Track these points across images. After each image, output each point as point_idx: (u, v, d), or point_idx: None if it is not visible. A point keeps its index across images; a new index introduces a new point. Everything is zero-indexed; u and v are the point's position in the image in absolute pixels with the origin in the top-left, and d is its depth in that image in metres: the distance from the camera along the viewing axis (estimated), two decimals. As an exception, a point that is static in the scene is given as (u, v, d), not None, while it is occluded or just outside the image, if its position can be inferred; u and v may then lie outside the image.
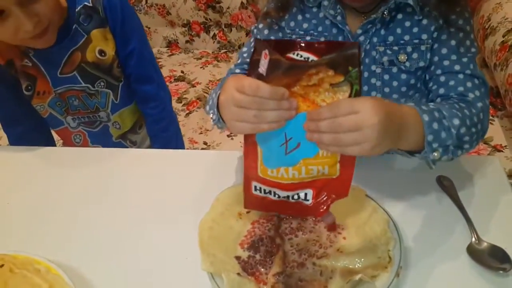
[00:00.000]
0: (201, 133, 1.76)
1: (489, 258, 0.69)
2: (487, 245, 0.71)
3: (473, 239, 0.72)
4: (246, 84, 0.63)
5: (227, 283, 0.64)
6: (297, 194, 0.69)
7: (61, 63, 1.05)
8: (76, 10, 1.01)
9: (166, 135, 1.19)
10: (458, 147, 0.75)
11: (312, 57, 0.65)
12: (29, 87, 1.08)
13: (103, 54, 1.06)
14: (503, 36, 1.72)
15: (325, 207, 0.70)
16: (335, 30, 0.86)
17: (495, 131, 1.59)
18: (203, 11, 2.26)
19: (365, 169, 0.87)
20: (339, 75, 0.62)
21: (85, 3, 1.01)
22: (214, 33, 2.33)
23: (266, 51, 0.64)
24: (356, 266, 0.68)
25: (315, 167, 0.66)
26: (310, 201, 0.69)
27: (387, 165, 0.89)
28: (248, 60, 0.90)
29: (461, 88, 0.80)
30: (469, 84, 0.80)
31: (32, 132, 1.19)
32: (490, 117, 1.65)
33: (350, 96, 0.63)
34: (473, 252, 0.70)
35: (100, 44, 1.05)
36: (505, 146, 1.53)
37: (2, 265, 0.71)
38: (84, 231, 0.81)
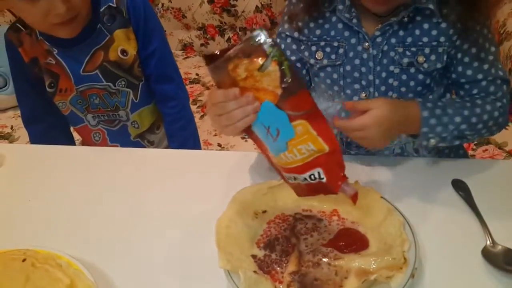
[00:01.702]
0: (215, 135, 1.77)
1: (504, 261, 0.70)
2: (502, 248, 0.71)
3: (488, 242, 0.72)
4: (209, 95, 0.71)
5: (244, 281, 0.65)
6: (312, 174, 0.71)
7: (84, 61, 1.07)
8: (101, 10, 1.04)
9: (184, 134, 1.21)
10: (457, 138, 0.85)
11: None
12: (52, 84, 1.11)
13: (125, 53, 1.08)
14: (519, 42, 1.71)
15: (340, 182, 0.71)
16: (347, 33, 0.88)
17: (510, 136, 1.58)
18: (218, 14, 2.28)
19: (381, 172, 0.88)
20: (259, 58, 0.65)
21: (110, 3, 1.04)
22: (229, 37, 2.35)
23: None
24: (371, 267, 0.69)
25: (302, 146, 0.69)
26: (325, 179, 0.71)
27: (403, 168, 0.90)
28: None
29: (483, 94, 0.87)
30: (491, 89, 0.87)
31: (53, 129, 1.22)
32: (505, 123, 1.65)
33: (282, 72, 0.64)
34: (488, 255, 0.71)
35: (123, 44, 1.07)
36: (520, 151, 1.52)
37: (25, 260, 0.72)
38: (104, 228, 0.83)
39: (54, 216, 0.86)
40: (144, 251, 0.78)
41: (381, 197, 0.78)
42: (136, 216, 0.85)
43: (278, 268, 0.71)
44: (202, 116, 1.90)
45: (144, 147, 1.24)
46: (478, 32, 0.84)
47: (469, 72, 0.87)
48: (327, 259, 0.72)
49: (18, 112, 2.00)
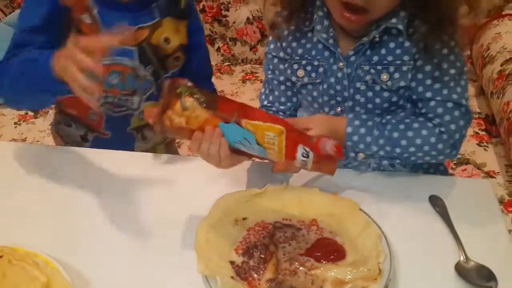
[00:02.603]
0: (200, 142, 1.78)
1: (476, 276, 0.71)
2: (474, 264, 0.73)
3: (461, 258, 0.74)
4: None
5: (221, 286, 0.66)
6: (302, 153, 0.75)
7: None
8: None
9: None
10: (386, 158, 0.90)
11: None
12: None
13: (166, 41, 1.05)
14: (501, 65, 1.76)
15: (317, 144, 0.75)
16: (326, 53, 0.91)
17: (489, 157, 1.62)
18: (209, 24, 2.30)
19: (361, 186, 0.90)
20: (175, 104, 0.74)
21: None
22: (219, 46, 2.36)
23: None
24: (347, 277, 0.70)
25: (266, 138, 0.74)
26: (309, 150, 0.75)
27: (382, 182, 0.91)
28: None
29: (431, 115, 0.87)
30: (439, 110, 0.86)
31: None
32: (485, 144, 1.69)
33: (197, 99, 0.73)
34: (461, 270, 0.73)
35: (168, 32, 1.04)
36: (498, 172, 1.55)
37: (1, 256, 0.72)
38: (84, 229, 0.83)
39: (32, 216, 0.86)
40: (122, 253, 0.78)
41: (360, 209, 0.80)
42: (116, 218, 0.85)
43: (255, 275, 0.71)
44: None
45: (134, 140, 1.18)
46: (437, 50, 0.85)
47: (420, 88, 0.87)
48: (304, 268, 0.73)
49: (3, 110, 1.99)
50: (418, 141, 0.86)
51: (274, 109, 1.01)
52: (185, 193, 0.90)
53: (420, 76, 0.87)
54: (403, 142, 0.86)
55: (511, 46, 1.82)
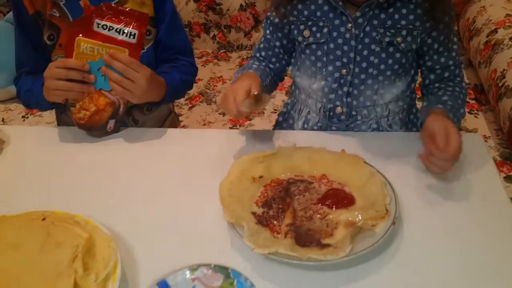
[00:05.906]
0: (204, 124, 1.85)
1: None
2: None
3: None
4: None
5: (247, 230, 0.74)
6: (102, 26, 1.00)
7: None
8: None
9: (175, 76, 1.16)
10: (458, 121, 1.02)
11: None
12: (52, 37, 1.08)
13: None
14: (487, 36, 1.84)
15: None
16: (331, 15, 0.98)
17: (479, 123, 1.71)
18: (203, 12, 2.36)
19: (364, 145, 0.98)
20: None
21: None
22: (214, 34, 2.43)
23: None
24: (357, 219, 0.78)
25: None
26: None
27: (381, 142, 1.00)
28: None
29: (452, 77, 1.05)
30: (457, 71, 1.04)
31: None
32: (475, 111, 1.78)
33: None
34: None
35: (135, 7, 1.07)
36: (489, 136, 1.64)
37: (44, 219, 0.79)
38: (120, 193, 0.91)
39: (68, 183, 0.94)
40: (156, 211, 0.86)
41: (364, 162, 0.88)
42: (150, 182, 0.93)
43: (275, 222, 0.79)
44: (190, 108, 1.98)
45: (127, 125, 1.15)
46: (446, 22, 0.98)
47: (442, 60, 1.03)
48: (318, 215, 0.81)
49: (10, 105, 2.05)
50: (464, 96, 1.04)
51: (264, 63, 1.11)
52: (206, 158, 0.98)
53: (441, 49, 1.02)
54: (463, 100, 1.02)
55: (495, 18, 1.91)
